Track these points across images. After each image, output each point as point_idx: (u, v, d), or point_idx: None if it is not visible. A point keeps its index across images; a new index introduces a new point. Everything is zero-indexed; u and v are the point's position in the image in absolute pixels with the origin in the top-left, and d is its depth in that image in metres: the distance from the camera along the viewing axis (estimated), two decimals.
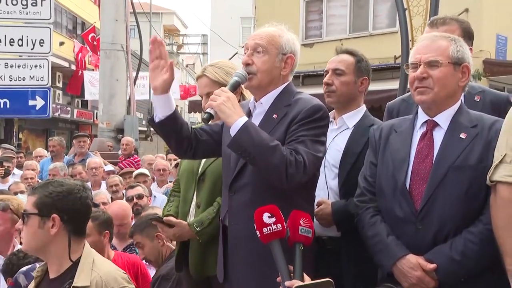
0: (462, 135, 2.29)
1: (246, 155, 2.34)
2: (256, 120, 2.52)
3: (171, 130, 2.49)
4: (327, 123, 2.46)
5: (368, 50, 13.77)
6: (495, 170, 2.13)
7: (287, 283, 2.00)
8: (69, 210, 2.31)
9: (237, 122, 2.31)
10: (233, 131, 2.31)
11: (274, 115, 2.45)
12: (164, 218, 2.96)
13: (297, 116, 2.38)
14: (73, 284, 2.26)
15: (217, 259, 2.64)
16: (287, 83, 2.55)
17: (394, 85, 8.98)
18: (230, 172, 2.51)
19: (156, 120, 2.47)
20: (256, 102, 2.57)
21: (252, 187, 2.42)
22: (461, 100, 2.43)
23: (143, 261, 3.72)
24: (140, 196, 5.12)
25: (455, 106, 2.38)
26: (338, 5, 14.05)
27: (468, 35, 2.93)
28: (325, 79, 2.96)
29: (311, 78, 12.37)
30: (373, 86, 11.70)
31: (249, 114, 2.55)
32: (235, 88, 2.52)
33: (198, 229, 2.81)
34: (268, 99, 2.52)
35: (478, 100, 2.85)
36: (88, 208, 2.41)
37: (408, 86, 2.46)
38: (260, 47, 2.47)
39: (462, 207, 2.22)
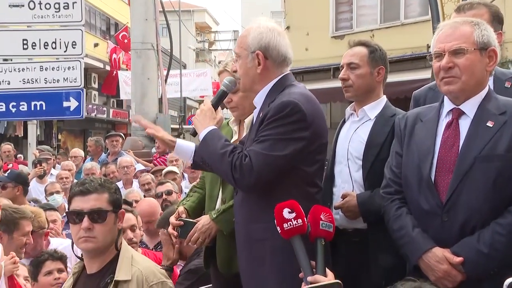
0: (489, 123, 2.21)
1: (206, 165, 2.51)
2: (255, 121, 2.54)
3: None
4: (299, 119, 2.30)
5: (400, 39, 13.47)
6: None
7: (309, 278, 1.98)
8: (121, 204, 2.52)
9: (201, 134, 2.47)
10: None
11: (261, 114, 2.43)
12: (192, 219, 2.97)
13: (267, 114, 2.34)
14: (115, 279, 2.33)
15: None
16: (278, 78, 2.47)
17: (427, 74, 8.79)
18: None
19: (192, 164, 2.68)
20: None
21: None
22: (488, 85, 2.35)
23: None
24: (169, 192, 5.16)
25: (483, 93, 2.29)
26: None
27: (497, 19, 2.84)
28: (341, 75, 2.92)
29: None
30: (406, 76, 11.38)
31: None
32: (221, 97, 2.65)
33: (214, 215, 2.83)
34: (260, 98, 2.51)
35: (509, 86, 2.77)
36: None
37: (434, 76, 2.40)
38: (236, 53, 2.52)
39: (489, 198, 2.14)
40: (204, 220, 2.88)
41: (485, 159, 2.16)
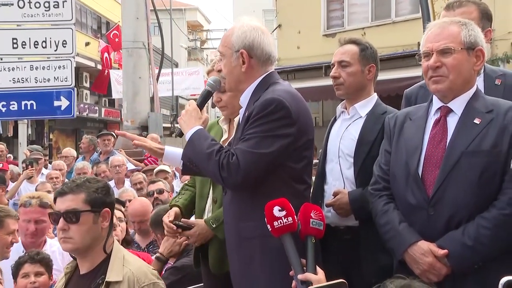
0: (477, 120, 2.24)
1: (194, 165, 2.48)
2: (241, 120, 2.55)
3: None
4: (284, 115, 2.30)
5: (391, 37, 13.53)
6: None
7: (300, 276, 1.98)
8: (112, 203, 2.47)
9: (187, 134, 2.47)
10: None
11: (246, 113, 2.43)
12: (182, 220, 2.95)
13: (252, 112, 2.35)
14: (106, 279, 2.31)
15: None
16: (263, 76, 2.47)
17: (418, 72, 8.81)
18: None
19: (182, 168, 2.64)
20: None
21: None
22: (477, 85, 2.38)
23: None
24: (160, 191, 5.16)
25: (470, 92, 2.33)
26: None
27: (486, 17, 2.86)
28: (331, 73, 2.93)
29: None
30: (397, 74, 11.43)
31: None
32: (206, 97, 2.65)
33: (214, 225, 2.82)
34: (245, 97, 2.51)
35: (499, 83, 2.78)
36: None
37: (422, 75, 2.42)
38: (220, 53, 2.53)
39: (475, 192, 2.17)
40: (201, 229, 2.87)
41: (472, 154, 2.18)
